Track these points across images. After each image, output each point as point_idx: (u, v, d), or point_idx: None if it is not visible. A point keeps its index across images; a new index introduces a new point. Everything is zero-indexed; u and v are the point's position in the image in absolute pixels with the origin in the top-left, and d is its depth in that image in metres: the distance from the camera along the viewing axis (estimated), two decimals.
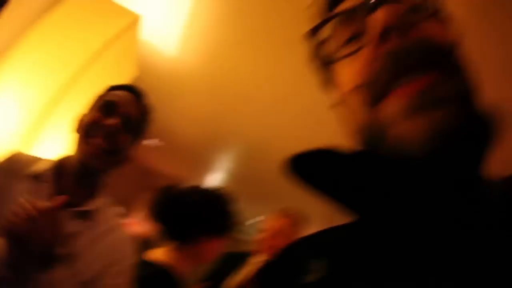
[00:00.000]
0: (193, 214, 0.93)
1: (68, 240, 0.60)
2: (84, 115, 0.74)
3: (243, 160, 3.07)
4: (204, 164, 3.24)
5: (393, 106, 0.24)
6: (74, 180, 0.69)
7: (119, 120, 0.70)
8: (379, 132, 0.26)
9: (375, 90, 0.26)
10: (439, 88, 0.23)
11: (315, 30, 0.30)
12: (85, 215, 0.67)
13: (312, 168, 0.28)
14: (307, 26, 0.31)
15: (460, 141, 0.23)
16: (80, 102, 0.84)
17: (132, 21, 1.48)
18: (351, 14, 0.28)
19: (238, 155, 3.06)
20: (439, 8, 0.28)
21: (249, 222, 3.07)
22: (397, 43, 0.25)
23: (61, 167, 0.70)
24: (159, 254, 0.92)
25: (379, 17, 0.25)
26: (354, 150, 0.28)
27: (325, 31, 0.30)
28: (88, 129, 0.69)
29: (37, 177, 0.68)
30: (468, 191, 0.25)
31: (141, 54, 1.71)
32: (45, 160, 0.73)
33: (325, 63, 0.31)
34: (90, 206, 0.68)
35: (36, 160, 0.73)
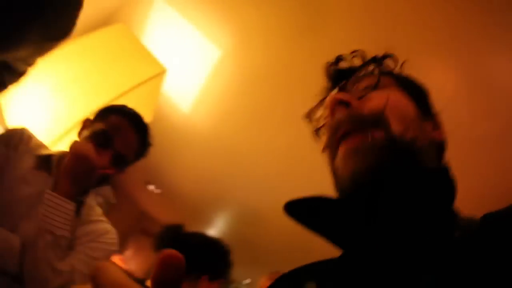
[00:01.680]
0: (198, 253, 0.94)
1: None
2: (89, 122, 0.81)
3: (237, 223, 3.05)
4: (200, 220, 3.17)
5: (338, 157, 0.36)
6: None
7: (109, 158, 0.74)
8: (336, 178, 0.37)
9: (331, 148, 0.38)
10: (363, 144, 0.33)
11: (310, 112, 0.45)
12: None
13: (303, 210, 0.35)
14: (305, 106, 0.45)
15: (376, 183, 0.31)
16: None
17: (159, 72, 1.52)
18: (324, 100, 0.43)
19: (232, 217, 3.06)
20: (377, 83, 0.38)
21: (239, 283, 3.16)
22: (338, 116, 0.37)
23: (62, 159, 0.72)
24: None
25: (329, 98, 0.38)
26: (335, 197, 0.36)
27: (318, 112, 0.44)
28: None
29: (43, 160, 0.73)
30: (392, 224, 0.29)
31: (158, 103, 1.72)
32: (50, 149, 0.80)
33: (317, 132, 0.45)
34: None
35: (42, 144, 0.79)
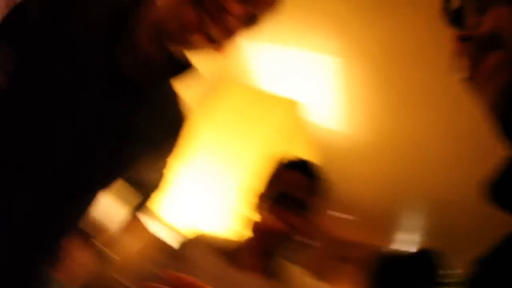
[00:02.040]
0: (416, 278, 0.98)
1: None
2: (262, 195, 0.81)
3: (431, 217, 2.99)
4: (391, 228, 3.20)
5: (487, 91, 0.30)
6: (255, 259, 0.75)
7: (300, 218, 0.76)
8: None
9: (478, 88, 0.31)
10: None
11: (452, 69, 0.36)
12: None
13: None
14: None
15: None
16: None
17: (291, 106, 1.59)
18: None
19: (425, 213, 2.98)
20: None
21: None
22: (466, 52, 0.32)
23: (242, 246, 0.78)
24: None
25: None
26: None
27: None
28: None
29: (227, 254, 0.77)
30: None
31: (306, 134, 1.79)
32: (228, 239, 0.85)
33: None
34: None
35: (219, 238, 0.85)
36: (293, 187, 0.77)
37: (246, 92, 1.61)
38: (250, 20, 0.55)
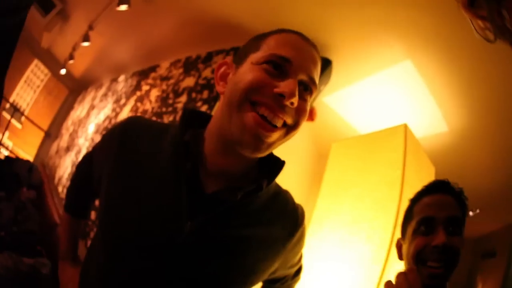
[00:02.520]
0: None
1: None
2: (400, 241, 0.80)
3: None
4: None
5: None
6: None
7: (443, 235, 0.69)
8: None
9: None
10: None
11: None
12: None
13: None
14: None
15: None
16: None
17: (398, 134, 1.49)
18: None
19: None
20: None
21: None
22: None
23: None
24: None
25: None
26: None
27: None
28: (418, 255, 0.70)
29: None
30: None
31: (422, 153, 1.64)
32: None
33: None
34: None
35: None
36: (435, 213, 0.71)
37: (352, 144, 1.58)
38: (306, 88, 0.56)
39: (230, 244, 0.58)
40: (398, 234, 1.30)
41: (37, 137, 5.02)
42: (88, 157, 0.78)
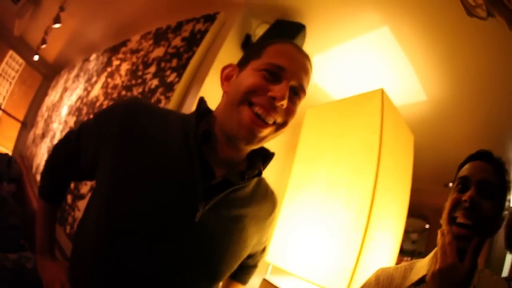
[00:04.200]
0: None
1: None
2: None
3: None
4: None
5: None
6: None
7: (473, 192, 0.73)
8: None
9: None
10: None
11: None
12: None
13: None
14: None
15: None
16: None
17: (375, 99, 1.45)
18: None
19: None
20: None
21: None
22: None
23: None
24: None
25: None
26: None
27: None
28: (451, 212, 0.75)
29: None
30: None
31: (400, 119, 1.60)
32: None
33: None
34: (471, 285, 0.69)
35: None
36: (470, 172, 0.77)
37: (326, 109, 1.52)
38: (296, 92, 0.67)
39: (236, 221, 0.67)
40: (377, 200, 1.28)
41: (15, 129, 4.85)
42: (72, 138, 0.73)
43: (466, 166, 0.81)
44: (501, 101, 1.75)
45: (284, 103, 0.62)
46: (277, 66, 0.63)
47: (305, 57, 0.68)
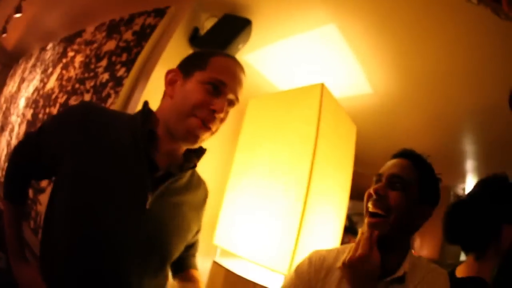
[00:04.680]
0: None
1: None
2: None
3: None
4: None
5: None
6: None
7: (382, 184, 0.85)
8: None
9: None
10: None
11: None
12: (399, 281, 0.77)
13: None
14: None
15: None
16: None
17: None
18: None
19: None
20: None
21: None
22: None
23: None
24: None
25: None
26: None
27: None
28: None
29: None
30: None
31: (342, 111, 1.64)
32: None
33: None
34: (401, 271, 0.78)
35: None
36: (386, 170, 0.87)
37: (268, 100, 1.60)
38: (231, 103, 0.81)
39: (178, 206, 0.79)
40: (314, 187, 1.38)
41: None
42: (32, 140, 0.81)
43: (386, 163, 0.90)
44: (452, 95, 1.88)
45: (222, 115, 0.78)
46: (220, 82, 0.76)
47: (242, 71, 0.83)
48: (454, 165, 2.87)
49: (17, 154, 0.84)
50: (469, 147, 2.58)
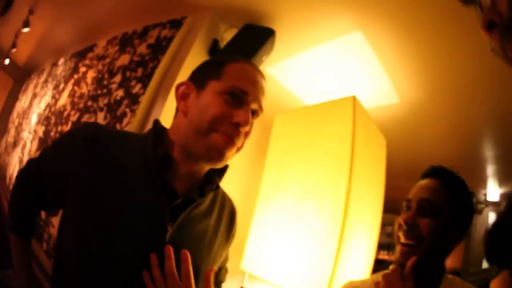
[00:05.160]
0: None
1: None
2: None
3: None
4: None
5: None
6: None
7: (412, 212, 0.79)
8: None
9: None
10: None
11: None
12: None
13: None
14: None
15: None
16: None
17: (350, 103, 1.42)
18: None
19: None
20: None
21: None
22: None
23: None
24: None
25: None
26: None
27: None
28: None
29: None
30: None
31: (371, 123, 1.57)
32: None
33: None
34: None
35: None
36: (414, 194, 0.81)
37: (296, 116, 1.48)
38: (255, 113, 0.69)
39: (201, 234, 0.69)
40: (350, 210, 1.27)
41: None
42: (33, 169, 0.72)
43: (414, 186, 0.84)
44: (475, 101, 1.78)
45: (247, 128, 0.66)
46: (241, 90, 0.65)
47: (262, 77, 0.70)
48: (475, 170, 2.74)
49: (19, 185, 0.76)
50: (489, 152, 2.46)
